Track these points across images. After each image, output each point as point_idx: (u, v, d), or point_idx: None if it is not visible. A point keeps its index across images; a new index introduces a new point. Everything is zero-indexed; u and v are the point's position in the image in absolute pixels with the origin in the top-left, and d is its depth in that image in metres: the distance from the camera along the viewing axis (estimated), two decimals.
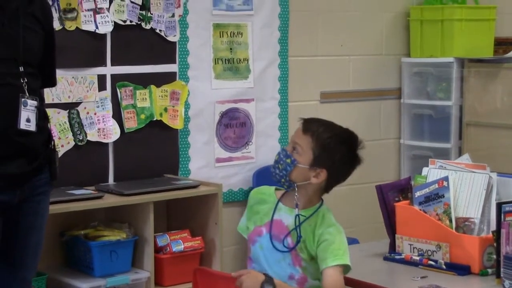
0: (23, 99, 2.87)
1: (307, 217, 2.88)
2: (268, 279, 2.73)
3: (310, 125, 2.88)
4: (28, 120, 2.88)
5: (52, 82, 3.23)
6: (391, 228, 3.28)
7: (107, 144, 4.14)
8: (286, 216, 2.90)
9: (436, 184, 3.18)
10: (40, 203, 3.03)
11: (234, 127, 4.57)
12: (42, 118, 3.01)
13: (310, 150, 2.84)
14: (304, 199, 2.89)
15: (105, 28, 4.09)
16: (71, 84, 4.00)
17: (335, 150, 2.84)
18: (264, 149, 4.65)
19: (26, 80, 2.89)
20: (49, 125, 3.11)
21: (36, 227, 3.04)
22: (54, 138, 3.89)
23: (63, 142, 3.98)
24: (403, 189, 3.35)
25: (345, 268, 2.83)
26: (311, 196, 2.90)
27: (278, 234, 2.88)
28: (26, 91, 2.88)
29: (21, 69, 2.88)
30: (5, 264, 2.99)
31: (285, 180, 2.87)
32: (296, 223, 2.86)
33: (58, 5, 3.94)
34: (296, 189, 2.86)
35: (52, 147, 3.08)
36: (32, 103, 2.89)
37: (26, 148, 2.91)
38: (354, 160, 2.91)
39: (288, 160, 2.85)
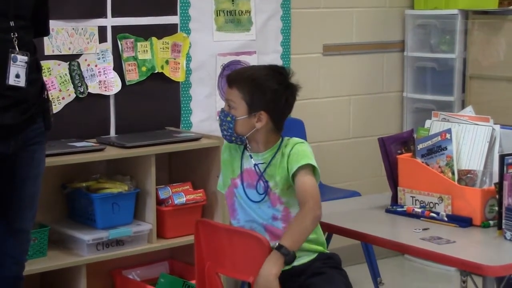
0: (12, 55, 2.84)
1: (273, 156, 2.93)
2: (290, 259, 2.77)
3: (232, 78, 2.96)
4: (17, 76, 2.85)
5: (45, 31, 3.19)
6: (393, 180, 3.28)
7: (108, 96, 4.12)
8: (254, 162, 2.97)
9: (439, 137, 3.17)
10: (35, 153, 3.02)
11: None
12: (35, 70, 2.98)
13: (242, 101, 2.91)
14: (260, 144, 2.96)
15: None
16: (71, 35, 3.97)
17: (264, 90, 2.90)
18: None
19: (16, 35, 2.85)
20: (42, 75, 3.08)
21: (31, 177, 3.04)
22: (55, 89, 3.90)
23: (64, 95, 3.96)
24: (406, 142, 3.35)
25: (314, 171, 2.89)
26: (266, 138, 2.96)
27: (252, 181, 2.96)
28: (16, 46, 2.85)
29: (12, 23, 2.84)
30: (1, 216, 2.99)
31: (235, 137, 2.95)
32: (257, 172, 2.93)
33: None
34: (247, 140, 2.94)
35: (46, 97, 3.05)
36: (22, 58, 2.86)
37: (18, 100, 2.89)
38: (288, 89, 2.95)
39: (228, 118, 2.93)
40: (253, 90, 2.90)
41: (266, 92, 2.90)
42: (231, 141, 2.98)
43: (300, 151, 2.90)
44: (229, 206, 3.05)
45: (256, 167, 2.95)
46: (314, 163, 2.89)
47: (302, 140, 2.97)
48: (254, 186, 2.95)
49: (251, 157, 2.96)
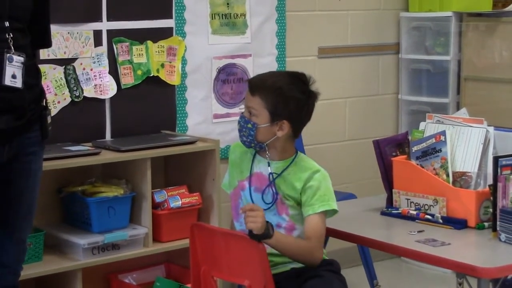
0: (8, 55, 2.81)
1: (284, 168, 2.93)
2: (266, 234, 2.74)
3: (255, 85, 2.94)
4: (13, 77, 2.82)
5: (46, 42, 3.16)
6: (388, 183, 3.28)
7: (103, 100, 4.12)
8: (265, 168, 2.96)
9: (433, 139, 3.18)
10: (31, 164, 2.99)
11: (231, 82, 4.56)
12: (35, 75, 2.96)
13: (264, 109, 2.89)
14: (277, 151, 2.96)
15: None
16: (66, 39, 3.97)
17: (287, 100, 2.89)
18: None
19: (12, 36, 2.83)
20: (41, 82, 3.06)
21: (28, 188, 3.01)
22: (50, 93, 3.89)
23: (59, 99, 3.96)
24: (401, 144, 3.35)
25: (332, 212, 2.92)
26: (284, 146, 2.96)
27: (260, 186, 2.95)
28: (11, 46, 2.83)
29: (7, 24, 2.82)
30: None
31: (255, 144, 2.94)
32: (270, 179, 2.92)
33: None
34: (267, 148, 2.93)
35: (44, 104, 3.04)
36: (18, 59, 2.83)
37: (13, 104, 2.86)
38: (309, 97, 2.96)
39: (249, 125, 2.91)
40: (276, 99, 2.88)
41: (290, 102, 2.89)
42: (249, 147, 2.97)
43: (324, 189, 2.88)
44: (233, 207, 3.05)
45: (270, 175, 2.93)
46: (335, 206, 2.90)
47: (319, 168, 2.94)
48: (262, 191, 2.94)
49: (269, 165, 2.94)
